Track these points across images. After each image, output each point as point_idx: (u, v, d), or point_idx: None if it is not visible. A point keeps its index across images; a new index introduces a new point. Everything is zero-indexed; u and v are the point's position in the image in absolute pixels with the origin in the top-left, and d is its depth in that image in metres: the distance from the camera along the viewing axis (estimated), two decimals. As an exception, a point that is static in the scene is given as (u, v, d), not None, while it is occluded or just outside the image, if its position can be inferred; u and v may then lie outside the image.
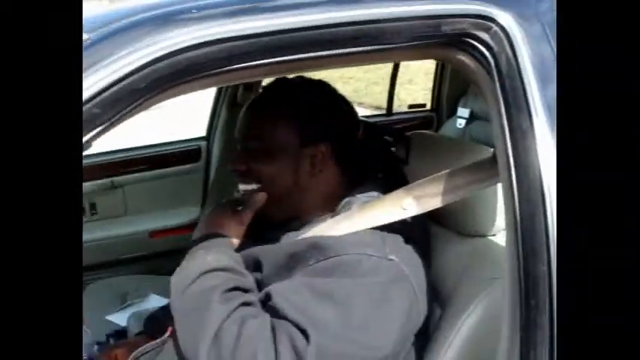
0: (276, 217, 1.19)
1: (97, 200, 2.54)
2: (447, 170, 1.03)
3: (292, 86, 1.21)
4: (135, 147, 2.68)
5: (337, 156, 1.18)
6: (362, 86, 9.96)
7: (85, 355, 1.43)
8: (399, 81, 3.45)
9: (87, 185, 2.46)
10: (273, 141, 1.16)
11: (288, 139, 1.16)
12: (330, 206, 1.15)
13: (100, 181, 2.52)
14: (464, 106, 3.14)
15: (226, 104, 2.58)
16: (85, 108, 0.64)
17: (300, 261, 1.02)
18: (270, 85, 1.24)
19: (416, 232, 1.11)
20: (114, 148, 2.56)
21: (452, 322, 1.07)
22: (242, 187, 1.20)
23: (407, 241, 1.07)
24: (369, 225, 1.05)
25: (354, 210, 1.09)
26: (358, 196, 1.13)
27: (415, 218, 1.06)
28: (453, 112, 3.27)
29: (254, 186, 1.18)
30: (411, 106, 3.55)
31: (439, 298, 1.14)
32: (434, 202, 1.04)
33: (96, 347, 1.63)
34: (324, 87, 1.23)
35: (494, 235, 1.20)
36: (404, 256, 1.03)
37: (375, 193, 1.13)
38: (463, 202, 1.07)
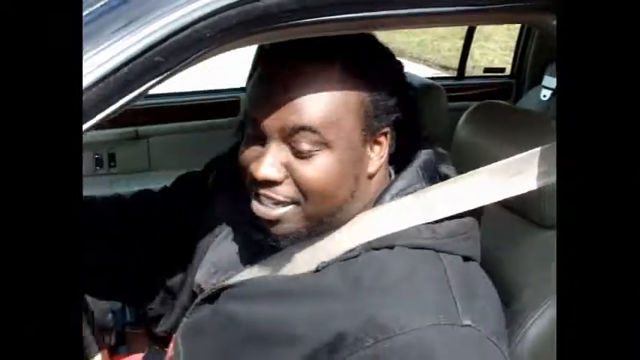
0: (306, 237, 1.02)
1: (117, 151, 2.64)
2: (492, 165, 1.02)
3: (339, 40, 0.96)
4: (164, 94, 2.75)
5: (396, 140, 1.04)
6: (428, 40, 9.87)
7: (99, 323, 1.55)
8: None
9: (107, 133, 2.57)
10: (337, 129, 0.95)
11: (351, 125, 0.97)
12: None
13: (122, 130, 2.62)
14: (552, 75, 3.13)
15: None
16: (147, 55, 0.72)
17: (351, 342, 0.90)
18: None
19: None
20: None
21: (519, 324, 1.10)
22: (266, 211, 0.98)
23: (466, 259, 1.01)
24: (368, 236, 0.99)
25: (354, 220, 1.02)
26: (395, 192, 1.04)
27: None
28: (537, 81, 3.26)
29: (286, 209, 0.98)
30: (486, 70, 3.56)
31: (507, 295, 1.14)
32: (456, 206, 1.01)
33: (110, 316, 1.74)
34: (369, 38, 1.03)
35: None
36: (480, 312, 0.95)
37: (417, 186, 1.04)
38: (539, 188, 1.08)
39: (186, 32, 0.73)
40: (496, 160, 1.05)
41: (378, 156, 1.02)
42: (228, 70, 3.66)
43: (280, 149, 0.95)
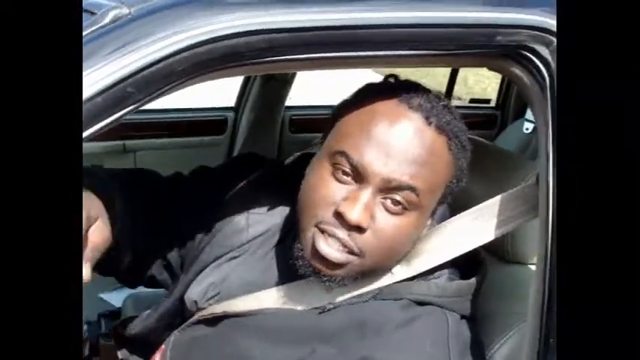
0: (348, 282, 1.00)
1: (104, 164, 2.64)
2: (456, 217, 1.05)
3: (433, 96, 1.00)
4: (153, 109, 2.77)
5: None
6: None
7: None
8: (471, 64, 3.46)
9: (95, 146, 2.57)
10: (432, 198, 0.98)
11: (439, 196, 1.00)
12: None
13: (110, 143, 2.64)
14: (534, 109, 3.17)
15: (261, 75, 2.68)
16: (119, 86, 0.75)
17: None
18: (406, 91, 0.97)
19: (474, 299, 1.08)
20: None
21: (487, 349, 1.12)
22: (330, 252, 0.94)
23: (463, 317, 1.04)
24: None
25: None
26: None
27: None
28: (520, 114, 3.31)
29: (350, 257, 0.95)
30: (472, 100, 3.61)
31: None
32: (432, 259, 1.03)
33: (85, 327, 1.76)
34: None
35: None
36: None
37: None
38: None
39: (158, 66, 0.76)
40: (471, 197, 1.08)
41: (431, 221, 1.03)
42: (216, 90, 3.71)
43: (374, 197, 0.93)
